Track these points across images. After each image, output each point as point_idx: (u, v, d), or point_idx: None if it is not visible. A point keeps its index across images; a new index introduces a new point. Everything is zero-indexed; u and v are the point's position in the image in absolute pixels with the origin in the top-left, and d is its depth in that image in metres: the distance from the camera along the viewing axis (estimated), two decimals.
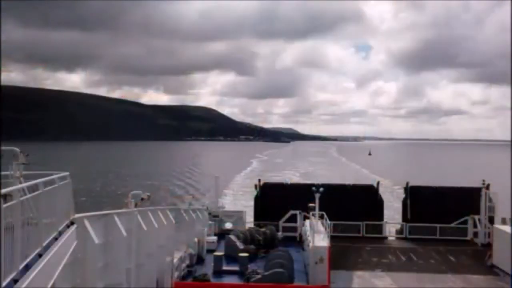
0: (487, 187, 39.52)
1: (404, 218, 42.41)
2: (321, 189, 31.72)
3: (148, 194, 19.51)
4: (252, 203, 44.44)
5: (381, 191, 44.41)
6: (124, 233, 15.88)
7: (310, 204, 31.64)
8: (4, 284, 7.26)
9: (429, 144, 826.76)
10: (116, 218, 15.94)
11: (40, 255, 9.39)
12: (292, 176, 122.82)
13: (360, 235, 40.70)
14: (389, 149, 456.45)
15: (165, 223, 22.72)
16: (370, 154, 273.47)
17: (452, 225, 40.90)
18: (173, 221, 25.03)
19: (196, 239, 31.27)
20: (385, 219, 42.52)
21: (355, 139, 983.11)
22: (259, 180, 45.31)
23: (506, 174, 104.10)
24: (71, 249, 12.04)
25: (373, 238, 40.16)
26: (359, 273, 30.64)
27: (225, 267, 29.30)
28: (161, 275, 21.79)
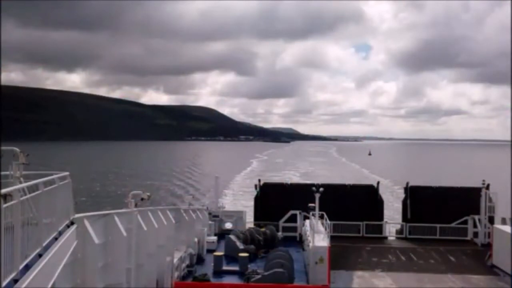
0: (487, 187, 39.49)
1: (404, 218, 42.36)
2: (321, 189, 31.65)
3: (148, 194, 19.46)
4: (252, 203, 44.40)
5: (381, 191, 44.35)
6: (124, 233, 15.88)
7: (310, 204, 31.56)
8: (4, 284, 7.26)
9: (429, 144, 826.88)
10: (116, 218, 15.93)
11: (40, 255, 9.39)
12: (292, 176, 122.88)
13: (360, 235, 40.66)
14: (389, 149, 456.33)
15: (165, 223, 22.70)
16: (370, 154, 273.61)
17: (452, 225, 40.85)
18: (173, 221, 25.00)
19: (196, 239, 31.25)
20: (385, 219, 42.47)
21: (355, 139, 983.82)
22: (259, 180, 45.27)
23: (506, 174, 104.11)
24: (71, 249, 12.05)
25: (373, 238, 40.13)
26: (359, 273, 30.60)
27: (225, 267, 29.29)
28: (161, 275, 21.77)
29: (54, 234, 10.97)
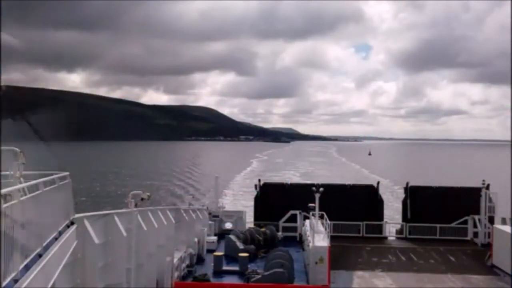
0: (487, 187, 39.49)
1: (404, 218, 42.39)
2: (321, 189, 31.67)
3: (148, 194, 19.43)
4: (252, 203, 44.41)
5: (381, 191, 44.36)
6: (124, 233, 15.86)
7: (310, 204, 31.57)
8: (4, 284, 7.26)
9: (429, 144, 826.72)
10: (116, 218, 15.91)
11: (40, 255, 9.38)
12: (292, 176, 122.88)
13: (360, 235, 40.67)
14: (389, 149, 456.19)
15: (165, 223, 22.69)
16: (370, 154, 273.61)
17: (452, 225, 40.87)
18: (173, 221, 24.99)
19: (196, 239, 31.25)
20: (385, 219, 42.49)
21: (355, 139, 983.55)
22: (259, 180, 45.25)
23: (506, 174, 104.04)
24: (71, 249, 12.04)
25: (373, 238, 40.14)
26: (359, 273, 30.61)
27: (225, 267, 29.29)
28: (161, 275, 21.76)
29: (54, 234, 10.96)
